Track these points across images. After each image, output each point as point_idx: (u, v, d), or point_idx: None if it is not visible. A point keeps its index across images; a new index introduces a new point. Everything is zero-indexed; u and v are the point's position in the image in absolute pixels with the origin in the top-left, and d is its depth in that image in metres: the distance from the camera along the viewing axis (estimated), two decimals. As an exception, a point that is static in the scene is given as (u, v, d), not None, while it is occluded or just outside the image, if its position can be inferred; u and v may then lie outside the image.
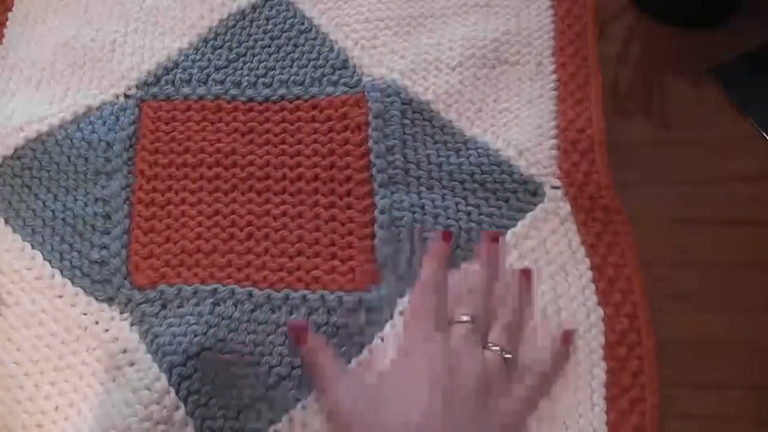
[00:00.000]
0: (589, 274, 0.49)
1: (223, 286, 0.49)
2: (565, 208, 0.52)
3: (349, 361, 0.47)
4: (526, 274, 0.49)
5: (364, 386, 0.45)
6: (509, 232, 0.51)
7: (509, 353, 0.45)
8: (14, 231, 0.52)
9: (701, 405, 0.46)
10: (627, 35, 0.60)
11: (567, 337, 0.47)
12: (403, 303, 0.48)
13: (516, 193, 0.52)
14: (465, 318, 0.45)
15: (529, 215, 0.51)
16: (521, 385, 0.45)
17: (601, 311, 0.48)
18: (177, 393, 0.45)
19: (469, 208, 0.52)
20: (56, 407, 0.46)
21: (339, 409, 0.44)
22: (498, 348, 0.45)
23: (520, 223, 0.51)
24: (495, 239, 0.49)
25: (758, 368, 0.47)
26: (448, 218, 0.51)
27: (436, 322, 0.45)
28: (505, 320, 0.46)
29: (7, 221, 0.52)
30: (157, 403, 0.45)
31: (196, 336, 0.47)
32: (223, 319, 0.48)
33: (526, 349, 0.46)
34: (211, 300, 0.48)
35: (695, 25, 0.59)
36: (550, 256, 0.50)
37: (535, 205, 0.52)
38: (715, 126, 0.55)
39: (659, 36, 0.59)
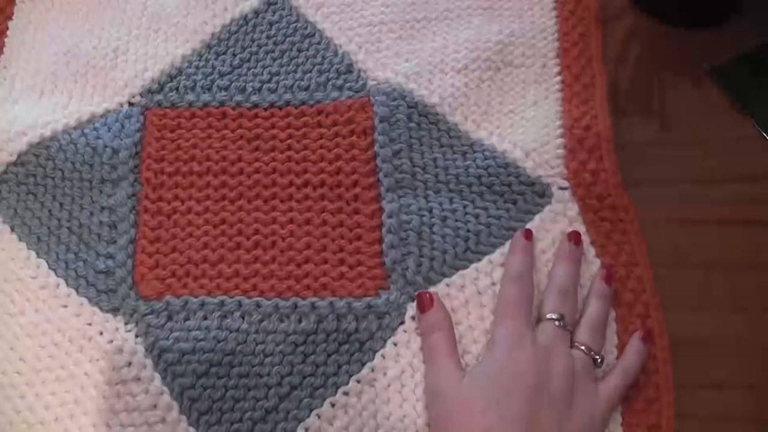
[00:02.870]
0: (600, 273, 0.49)
1: (230, 297, 0.49)
2: (574, 208, 0.52)
3: (362, 368, 0.47)
4: (608, 275, 0.49)
5: (462, 377, 0.45)
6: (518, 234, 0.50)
7: (597, 354, 0.45)
8: (19, 239, 0.52)
9: (701, 405, 0.46)
10: (627, 35, 0.60)
11: (648, 336, 0.47)
12: (413, 307, 0.48)
13: (524, 194, 0.52)
14: (553, 316, 0.46)
15: (537, 217, 0.51)
16: (606, 385, 0.45)
17: (613, 312, 0.48)
18: (188, 416, 0.46)
19: (477, 210, 0.51)
20: (56, 418, 0.46)
21: (439, 396, 0.44)
22: (585, 347, 0.45)
23: (528, 225, 0.51)
24: (578, 240, 0.50)
25: (758, 368, 0.47)
26: (456, 221, 0.51)
27: (525, 318, 0.45)
28: (590, 320, 0.47)
29: (12, 229, 0.52)
30: (162, 422, 0.45)
31: (204, 353, 0.47)
32: (230, 332, 0.48)
33: (607, 348, 0.47)
34: (218, 313, 0.48)
35: (695, 25, 0.59)
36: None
37: (543, 206, 0.52)
38: (715, 126, 0.56)
39: (659, 36, 0.60)
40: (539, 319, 0.46)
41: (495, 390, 0.43)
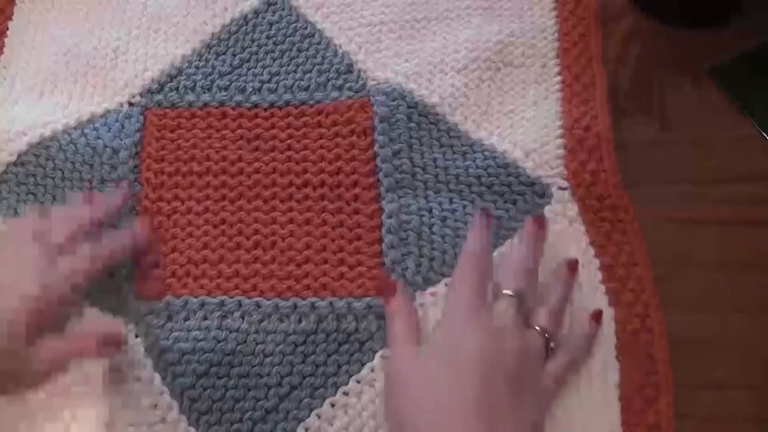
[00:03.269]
0: (600, 274, 0.49)
1: (230, 297, 0.49)
2: (573, 208, 0.52)
3: (362, 368, 0.47)
4: (572, 265, 0.49)
5: (419, 358, 0.45)
6: (517, 234, 0.51)
7: (552, 338, 0.45)
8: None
9: (701, 405, 0.46)
10: (627, 35, 0.60)
11: (597, 316, 0.47)
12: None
13: (523, 195, 0.52)
14: (510, 293, 0.45)
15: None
16: (554, 363, 0.45)
17: (612, 311, 0.48)
18: (188, 416, 0.46)
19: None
20: (56, 418, 0.46)
21: (395, 378, 0.44)
22: (540, 329, 0.45)
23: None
24: (541, 224, 0.50)
25: (758, 368, 0.47)
26: (456, 221, 0.51)
27: (479, 296, 0.45)
28: (550, 304, 0.47)
29: (12, 230, 0.52)
30: (162, 422, 0.46)
31: (204, 353, 0.47)
32: (230, 332, 0.48)
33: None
34: (218, 313, 0.48)
35: (695, 25, 0.59)
36: (560, 258, 0.49)
37: (543, 206, 0.52)
38: (715, 126, 0.56)
39: (659, 36, 0.60)
40: (496, 297, 0.46)
41: (448, 370, 0.42)
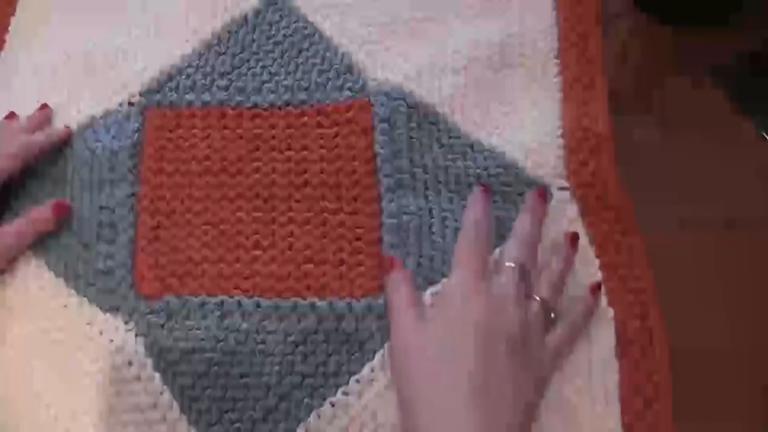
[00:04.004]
0: (599, 274, 0.49)
1: (230, 297, 0.49)
2: (573, 209, 0.52)
3: (362, 367, 0.47)
4: (573, 238, 0.49)
5: (420, 328, 0.45)
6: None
7: (552, 310, 0.46)
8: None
9: (701, 405, 0.46)
10: (627, 35, 0.60)
11: (594, 289, 0.48)
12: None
13: (523, 195, 0.52)
14: (512, 264, 0.46)
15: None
16: (553, 335, 0.45)
17: (611, 311, 0.48)
18: (189, 415, 0.46)
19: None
20: (56, 417, 0.46)
21: (398, 348, 0.45)
22: (541, 300, 0.45)
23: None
24: (542, 195, 0.50)
25: (758, 368, 0.47)
26: (456, 221, 0.50)
27: (480, 267, 0.46)
28: (551, 275, 0.47)
29: (10, 230, 0.52)
30: (163, 421, 0.46)
31: (204, 352, 0.47)
32: (231, 331, 0.47)
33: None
34: (218, 312, 0.48)
35: (695, 25, 0.60)
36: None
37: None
38: (715, 126, 0.56)
39: (659, 36, 0.60)
40: (498, 268, 0.46)
41: (451, 339, 0.43)
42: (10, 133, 0.54)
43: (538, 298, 0.46)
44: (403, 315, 0.46)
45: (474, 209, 0.49)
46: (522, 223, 0.49)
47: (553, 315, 0.46)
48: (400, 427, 0.44)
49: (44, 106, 0.56)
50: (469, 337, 0.42)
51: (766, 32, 0.59)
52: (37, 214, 0.51)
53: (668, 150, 0.55)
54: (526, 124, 0.55)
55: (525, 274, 0.46)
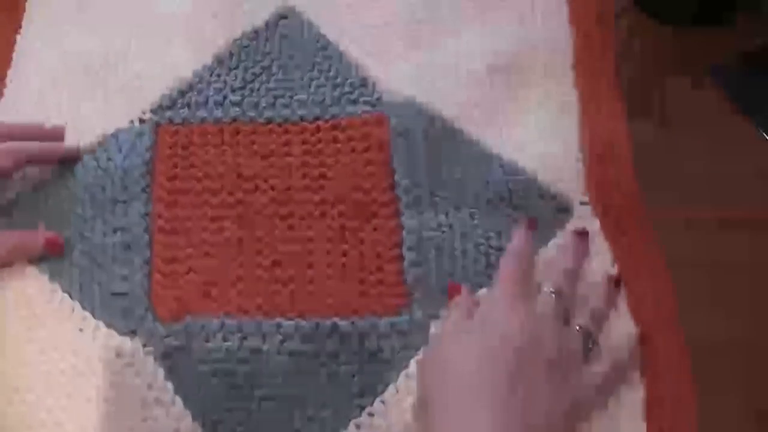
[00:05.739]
0: (622, 289, 0.49)
1: (250, 318, 0.48)
2: (595, 223, 0.51)
3: (386, 388, 0.46)
4: (615, 280, 0.49)
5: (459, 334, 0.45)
6: (540, 251, 0.50)
7: (593, 339, 0.45)
8: (31, 263, 0.50)
9: (701, 405, 0.46)
10: (627, 35, 0.60)
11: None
12: (436, 325, 0.48)
13: (544, 210, 0.52)
14: (552, 289, 0.46)
15: (559, 233, 0.51)
16: (599, 366, 0.45)
17: (635, 327, 0.48)
18: None
19: (499, 227, 0.51)
20: None
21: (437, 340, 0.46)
22: (580, 327, 0.45)
23: (551, 242, 0.51)
24: (583, 234, 0.50)
25: (758, 368, 0.47)
26: (477, 237, 0.50)
27: (522, 290, 0.46)
28: (593, 308, 0.47)
29: (24, 253, 0.51)
30: None
31: (225, 375, 0.46)
32: (252, 353, 0.47)
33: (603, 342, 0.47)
34: (238, 334, 0.47)
35: (695, 25, 0.60)
36: (582, 274, 0.49)
37: (565, 221, 0.51)
38: (715, 126, 0.56)
39: (659, 36, 0.60)
40: (537, 292, 0.46)
41: (484, 347, 0.43)
42: None
43: (578, 326, 0.45)
44: (454, 314, 0.46)
45: (519, 236, 0.49)
46: (563, 257, 0.49)
47: (592, 345, 0.45)
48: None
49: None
50: (506, 345, 0.42)
51: (765, 32, 0.59)
52: (28, 238, 0.51)
53: (668, 150, 0.55)
54: (544, 137, 0.54)
55: (564, 300, 0.46)
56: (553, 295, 0.46)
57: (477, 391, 0.41)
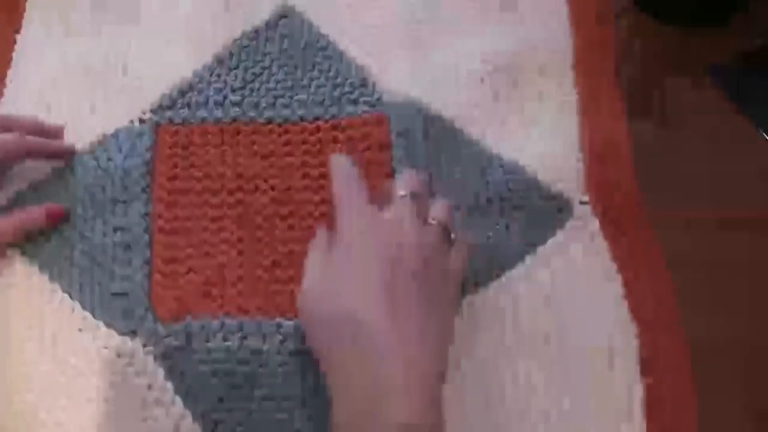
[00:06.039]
0: (622, 289, 0.49)
1: (251, 318, 0.48)
2: (594, 223, 0.51)
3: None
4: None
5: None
6: (539, 250, 0.50)
7: (450, 229, 0.45)
8: (31, 263, 0.50)
9: (701, 405, 0.46)
10: (627, 35, 0.60)
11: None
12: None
13: (544, 210, 0.52)
14: (404, 192, 0.45)
15: (559, 232, 0.51)
16: (457, 257, 0.45)
17: (635, 327, 0.48)
18: None
19: (498, 226, 0.51)
20: None
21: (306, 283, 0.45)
22: (438, 222, 0.45)
23: (550, 241, 0.51)
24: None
25: (759, 368, 0.48)
26: (476, 237, 0.50)
27: (365, 203, 0.45)
28: (444, 202, 0.46)
29: (23, 252, 0.51)
30: None
31: (225, 375, 0.46)
32: (252, 353, 0.47)
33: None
34: (238, 334, 0.47)
35: (695, 25, 0.60)
36: (582, 273, 0.49)
37: (565, 221, 0.51)
38: (715, 126, 0.56)
39: (659, 36, 0.60)
40: (390, 200, 0.45)
41: (351, 270, 0.42)
42: None
43: (435, 221, 0.45)
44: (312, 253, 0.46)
45: (337, 160, 0.49)
46: (408, 177, 0.48)
47: (453, 235, 0.45)
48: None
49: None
50: (370, 271, 0.42)
51: (766, 32, 0.59)
52: (30, 214, 0.51)
53: (668, 150, 0.55)
54: (545, 138, 0.54)
55: (418, 199, 0.45)
56: (406, 197, 0.45)
57: (363, 313, 0.40)
